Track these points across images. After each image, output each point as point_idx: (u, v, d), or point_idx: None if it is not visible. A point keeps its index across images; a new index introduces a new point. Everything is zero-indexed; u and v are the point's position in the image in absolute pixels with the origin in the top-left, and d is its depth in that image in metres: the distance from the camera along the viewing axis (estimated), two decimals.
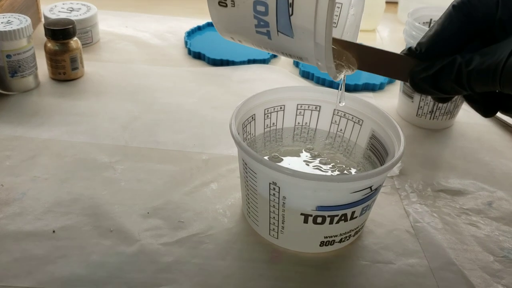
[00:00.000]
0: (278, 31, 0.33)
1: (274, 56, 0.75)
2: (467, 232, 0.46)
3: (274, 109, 0.47)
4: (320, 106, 0.48)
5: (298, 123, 0.49)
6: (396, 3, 0.94)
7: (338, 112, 0.48)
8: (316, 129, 0.49)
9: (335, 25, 0.42)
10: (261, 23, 0.33)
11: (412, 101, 0.60)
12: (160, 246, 0.42)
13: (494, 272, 0.42)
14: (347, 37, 0.42)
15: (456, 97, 0.58)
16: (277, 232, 0.42)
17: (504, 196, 0.51)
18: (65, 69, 0.63)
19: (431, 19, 0.62)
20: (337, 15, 0.43)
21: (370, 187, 0.38)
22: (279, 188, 0.38)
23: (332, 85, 0.67)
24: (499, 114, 0.63)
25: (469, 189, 0.52)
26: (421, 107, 0.60)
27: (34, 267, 0.39)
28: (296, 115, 0.48)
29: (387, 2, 0.90)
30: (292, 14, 0.32)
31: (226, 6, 0.34)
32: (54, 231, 0.42)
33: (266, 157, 0.45)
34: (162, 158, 0.52)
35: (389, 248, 0.44)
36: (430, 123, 0.61)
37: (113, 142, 0.54)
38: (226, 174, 0.50)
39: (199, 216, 0.45)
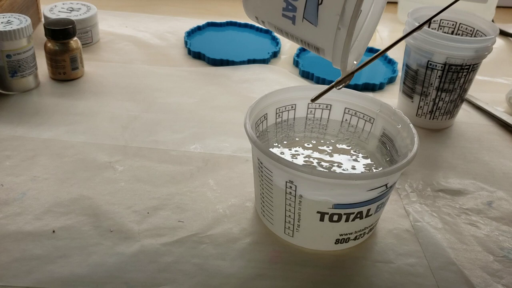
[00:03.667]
0: (303, 17, 0.34)
1: (274, 56, 0.75)
2: (467, 232, 0.46)
3: (285, 108, 0.47)
4: (331, 105, 0.48)
5: (309, 119, 0.49)
6: (396, 3, 0.94)
7: (349, 111, 0.48)
8: (327, 126, 0.49)
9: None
10: (289, 7, 0.34)
11: (412, 101, 0.60)
12: (160, 246, 0.42)
13: (494, 272, 0.42)
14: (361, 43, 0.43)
15: (456, 97, 0.58)
16: (293, 231, 0.42)
17: (504, 196, 0.51)
18: (65, 69, 0.63)
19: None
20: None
21: (386, 185, 0.39)
22: (295, 186, 0.38)
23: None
24: (499, 114, 0.63)
25: (469, 189, 0.52)
26: (421, 107, 0.60)
27: (34, 267, 0.39)
28: (307, 114, 0.48)
29: (387, 2, 0.90)
30: (321, 3, 0.33)
31: None
32: (54, 231, 0.42)
33: (277, 150, 0.45)
34: (162, 158, 0.52)
35: (389, 248, 0.44)
36: (430, 123, 0.61)
37: (113, 142, 0.54)
38: (226, 174, 0.50)
39: (199, 216, 0.45)
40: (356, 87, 0.68)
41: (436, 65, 0.56)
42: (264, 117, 0.46)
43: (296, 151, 0.46)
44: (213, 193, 0.48)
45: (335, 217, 0.40)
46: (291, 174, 0.38)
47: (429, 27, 0.62)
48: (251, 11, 0.38)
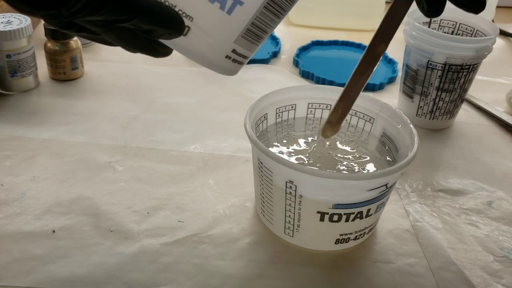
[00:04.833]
0: None
1: (274, 56, 0.75)
2: (467, 232, 0.46)
3: (285, 108, 0.47)
4: (331, 105, 0.48)
5: (310, 119, 0.49)
6: None
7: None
8: None
9: None
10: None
11: (412, 101, 0.60)
12: (159, 246, 0.42)
13: (494, 272, 0.42)
14: None
15: (456, 97, 0.58)
16: (293, 231, 0.42)
17: (504, 196, 0.51)
18: (65, 69, 0.63)
19: (430, 19, 0.62)
20: None
21: (386, 185, 0.39)
22: (295, 186, 0.38)
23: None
24: (499, 114, 0.63)
25: (469, 189, 0.52)
26: (421, 107, 0.60)
27: (34, 267, 0.39)
28: (307, 114, 0.48)
29: (387, 2, 0.90)
30: None
31: (186, 32, 0.29)
32: (54, 231, 0.42)
33: (276, 149, 0.45)
34: (162, 158, 0.52)
35: (389, 248, 0.44)
36: (430, 123, 0.61)
37: (113, 142, 0.54)
38: (226, 174, 0.50)
39: (199, 216, 0.45)
40: None
41: (436, 65, 0.56)
42: (264, 117, 0.46)
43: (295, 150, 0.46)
44: (213, 193, 0.48)
45: (335, 217, 0.40)
46: (291, 174, 0.38)
47: (429, 27, 0.62)
48: (225, 51, 0.32)
